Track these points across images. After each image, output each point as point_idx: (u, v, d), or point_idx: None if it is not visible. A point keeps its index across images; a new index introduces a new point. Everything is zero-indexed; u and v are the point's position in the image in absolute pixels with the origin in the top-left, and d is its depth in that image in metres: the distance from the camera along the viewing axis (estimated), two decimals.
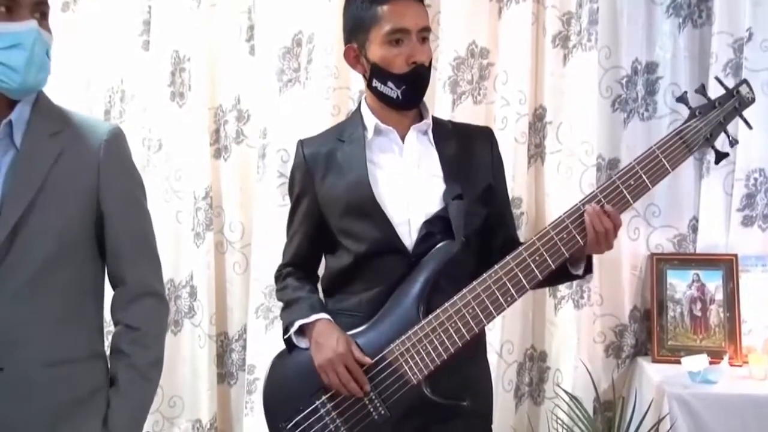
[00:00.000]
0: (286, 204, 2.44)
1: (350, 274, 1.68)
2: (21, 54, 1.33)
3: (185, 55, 2.66)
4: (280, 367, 1.69)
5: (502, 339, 2.45)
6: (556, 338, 2.49)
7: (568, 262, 1.62)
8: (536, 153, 2.55)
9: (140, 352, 1.49)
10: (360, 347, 1.59)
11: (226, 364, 2.73)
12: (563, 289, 2.45)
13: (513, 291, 1.58)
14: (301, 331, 1.66)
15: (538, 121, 2.54)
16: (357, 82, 2.51)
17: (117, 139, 1.48)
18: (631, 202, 1.61)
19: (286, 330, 1.69)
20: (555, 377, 2.48)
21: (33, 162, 1.39)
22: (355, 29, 1.65)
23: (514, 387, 2.51)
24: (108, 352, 1.53)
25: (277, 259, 2.42)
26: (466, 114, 2.46)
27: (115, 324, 1.52)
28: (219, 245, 2.69)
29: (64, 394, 1.42)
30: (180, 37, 2.66)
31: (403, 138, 1.69)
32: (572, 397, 2.28)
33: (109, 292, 1.55)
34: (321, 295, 1.76)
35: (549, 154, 2.51)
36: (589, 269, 1.66)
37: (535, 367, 2.57)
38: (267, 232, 2.52)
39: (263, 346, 2.54)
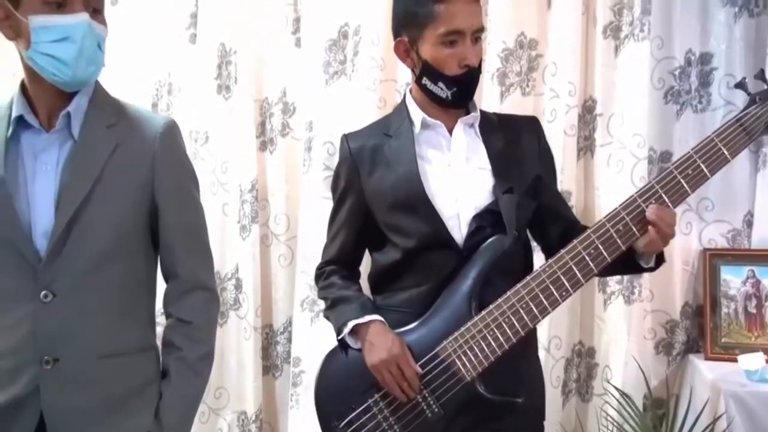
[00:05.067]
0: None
1: (399, 270, 1.66)
2: (71, 47, 1.33)
3: (231, 47, 2.66)
4: (332, 364, 1.67)
5: (549, 334, 2.42)
6: (605, 334, 2.45)
7: (636, 255, 1.58)
8: (585, 146, 2.50)
9: (192, 345, 1.49)
10: (411, 350, 1.58)
11: (271, 356, 2.74)
12: (613, 284, 2.41)
13: (568, 285, 1.55)
14: (354, 331, 1.64)
15: (587, 114, 2.49)
16: (403, 74, 2.50)
17: (172, 132, 1.49)
18: (689, 192, 1.57)
19: (339, 330, 1.66)
20: (604, 373, 2.44)
21: (90, 153, 1.40)
22: (408, 23, 1.62)
23: (561, 383, 2.47)
24: (159, 345, 1.54)
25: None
26: (515, 106, 2.43)
27: (167, 317, 1.53)
28: (264, 238, 2.70)
29: (118, 386, 1.43)
30: (226, 29, 2.66)
31: (450, 131, 1.67)
32: (623, 393, 2.24)
33: (161, 285, 1.56)
34: (368, 291, 1.74)
35: (599, 147, 2.46)
36: (661, 260, 1.62)
37: (583, 363, 2.53)
38: (313, 225, 2.52)
39: (308, 338, 2.56)
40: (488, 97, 2.44)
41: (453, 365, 1.56)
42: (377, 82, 2.52)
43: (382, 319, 1.63)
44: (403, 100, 1.73)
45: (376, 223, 1.69)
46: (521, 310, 1.55)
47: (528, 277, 1.56)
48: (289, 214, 2.68)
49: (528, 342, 1.65)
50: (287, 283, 2.68)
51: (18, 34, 1.34)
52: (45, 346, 1.36)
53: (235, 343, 2.67)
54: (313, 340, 2.53)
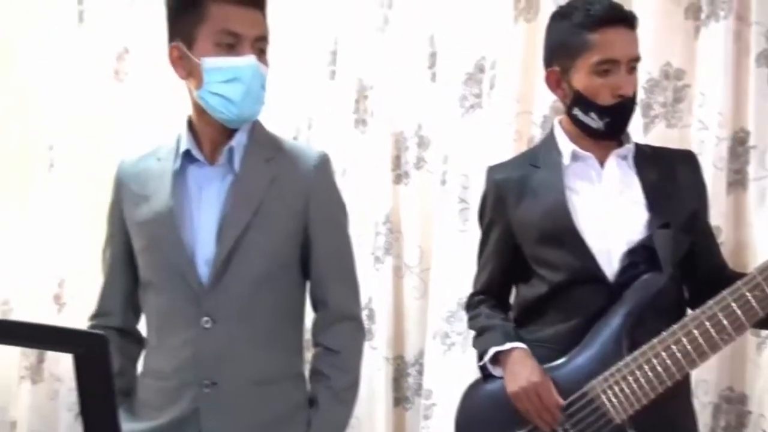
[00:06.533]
0: (467, 230, 2.47)
1: (545, 304, 1.63)
2: (239, 87, 1.41)
3: (368, 83, 2.73)
4: (475, 396, 1.66)
5: (696, 378, 2.27)
6: (759, 380, 2.29)
7: None
8: (736, 180, 2.37)
9: (339, 375, 1.52)
10: (558, 387, 1.54)
11: (402, 388, 2.73)
12: None
13: (731, 329, 1.47)
14: (496, 359, 1.63)
15: (739, 146, 2.36)
16: (540, 106, 2.47)
17: (326, 165, 1.54)
18: None
19: (480, 357, 1.66)
20: (758, 423, 2.28)
21: (250, 185, 1.46)
22: (560, 53, 1.61)
23: (709, 430, 2.33)
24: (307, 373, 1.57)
25: (457, 285, 2.44)
26: (659, 138, 2.33)
27: (315, 345, 1.56)
28: (397, 269, 2.71)
29: (270, 412, 1.47)
30: (364, 65, 2.73)
31: (601, 163, 1.63)
32: None
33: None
34: None
35: (752, 181, 2.32)
36: None
37: (733, 410, 2.37)
38: (447, 258, 2.52)
39: (440, 371, 2.53)
40: (632, 129, 2.33)
41: (602, 406, 1.51)
42: (513, 114, 2.50)
43: (525, 346, 1.60)
44: (551, 132, 1.71)
45: (523, 255, 1.66)
46: (678, 353, 1.48)
47: (685, 318, 1.50)
48: (422, 246, 2.68)
49: (681, 385, 1.57)
50: (419, 315, 2.68)
51: (190, 73, 1.43)
52: (205, 369, 1.42)
53: (368, 373, 2.67)
54: (446, 373, 2.51)
